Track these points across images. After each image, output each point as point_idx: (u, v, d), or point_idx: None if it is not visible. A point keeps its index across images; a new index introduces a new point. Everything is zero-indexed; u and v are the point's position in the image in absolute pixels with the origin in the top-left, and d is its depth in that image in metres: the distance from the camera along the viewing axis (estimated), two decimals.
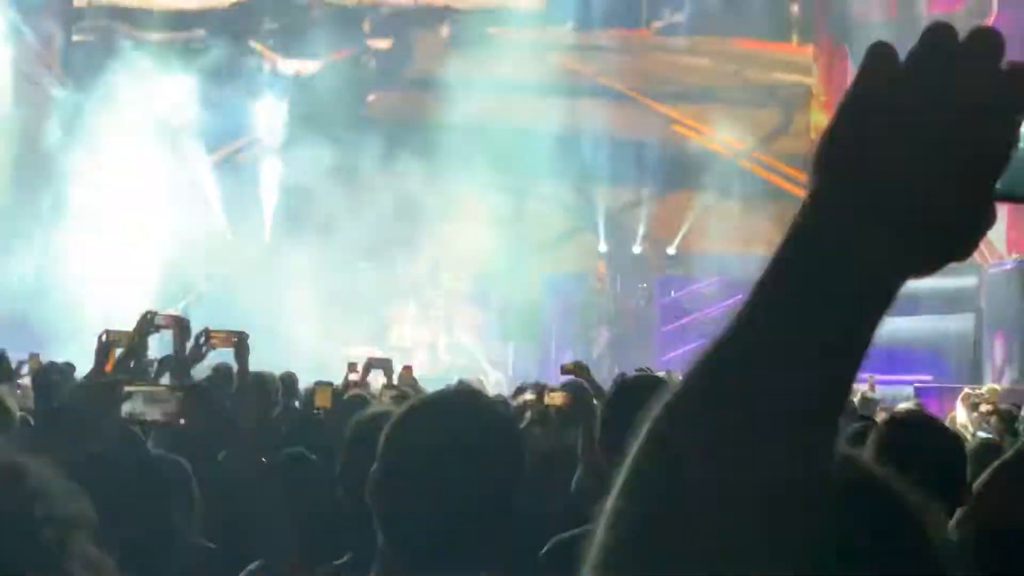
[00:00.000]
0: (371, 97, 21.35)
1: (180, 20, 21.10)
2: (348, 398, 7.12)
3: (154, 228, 18.68)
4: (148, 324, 5.65)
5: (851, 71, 18.91)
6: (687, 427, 0.92)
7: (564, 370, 6.19)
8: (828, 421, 0.92)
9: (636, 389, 3.69)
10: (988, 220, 0.92)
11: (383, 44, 21.51)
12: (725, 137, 20.24)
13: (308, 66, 20.99)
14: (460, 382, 11.73)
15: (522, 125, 19.87)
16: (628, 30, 21.32)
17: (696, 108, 20.81)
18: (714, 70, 20.99)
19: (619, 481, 0.93)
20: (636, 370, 8.27)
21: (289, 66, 21.04)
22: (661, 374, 8.93)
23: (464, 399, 2.40)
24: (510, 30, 20.59)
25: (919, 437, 3.30)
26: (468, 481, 2.15)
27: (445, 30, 21.06)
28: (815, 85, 20.13)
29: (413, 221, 19.36)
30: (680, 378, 0.95)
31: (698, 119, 20.78)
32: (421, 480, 2.14)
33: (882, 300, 0.92)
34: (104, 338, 5.34)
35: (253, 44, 21.10)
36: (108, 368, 5.29)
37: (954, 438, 3.67)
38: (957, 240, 0.92)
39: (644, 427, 0.93)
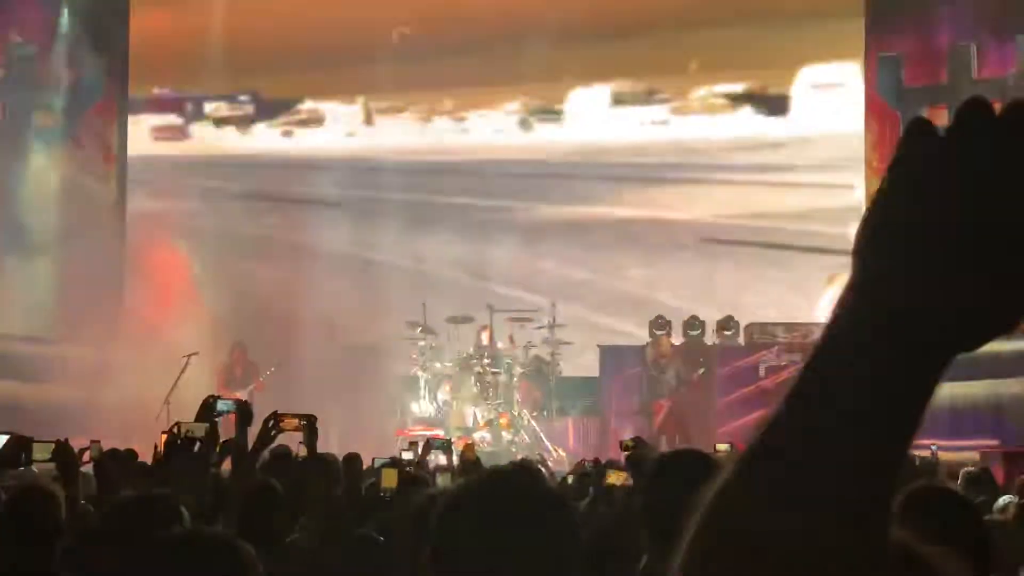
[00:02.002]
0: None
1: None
2: (406, 477, 7.14)
3: (216, 314, 18.67)
4: (211, 409, 5.69)
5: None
6: (743, 505, 0.94)
7: (624, 447, 6.19)
8: (882, 498, 0.94)
9: (676, 465, 3.67)
10: None
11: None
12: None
13: None
14: (522, 460, 11.70)
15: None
16: None
17: None
18: None
19: (680, 561, 0.95)
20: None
21: None
22: (722, 447, 8.89)
23: (513, 480, 2.39)
24: None
25: (934, 510, 3.11)
26: (519, 563, 2.15)
27: None
28: (868, 151, 20.00)
29: (471, 298, 19.42)
30: (735, 457, 0.97)
31: None
32: (471, 564, 2.15)
33: (929, 376, 0.94)
34: (176, 431, 5.35)
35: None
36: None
37: (968, 508, 3.47)
38: (1000, 317, 0.94)
39: (701, 506, 0.95)
